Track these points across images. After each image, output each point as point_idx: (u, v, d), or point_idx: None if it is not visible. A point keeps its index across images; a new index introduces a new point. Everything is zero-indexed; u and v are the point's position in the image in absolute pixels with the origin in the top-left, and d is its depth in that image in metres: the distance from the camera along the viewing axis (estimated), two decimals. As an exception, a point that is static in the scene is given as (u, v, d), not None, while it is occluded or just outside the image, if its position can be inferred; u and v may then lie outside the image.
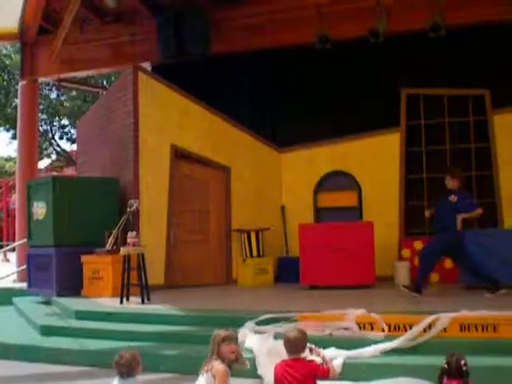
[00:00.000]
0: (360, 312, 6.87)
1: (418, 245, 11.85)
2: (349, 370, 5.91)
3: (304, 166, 13.19)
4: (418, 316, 6.73)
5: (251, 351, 6.36)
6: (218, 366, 4.16)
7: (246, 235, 12.17)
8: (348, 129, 12.68)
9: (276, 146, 13.47)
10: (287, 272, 12.09)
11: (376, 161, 12.56)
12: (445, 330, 6.38)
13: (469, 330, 6.31)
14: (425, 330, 6.38)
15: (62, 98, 28.49)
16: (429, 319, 6.39)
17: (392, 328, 6.56)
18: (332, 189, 12.97)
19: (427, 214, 10.06)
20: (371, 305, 7.20)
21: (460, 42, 11.13)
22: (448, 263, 11.27)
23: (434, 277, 11.57)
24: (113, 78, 24.54)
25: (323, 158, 13.08)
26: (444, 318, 6.40)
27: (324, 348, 6.09)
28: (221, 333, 4.40)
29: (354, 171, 12.86)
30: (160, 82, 11.51)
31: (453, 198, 9.52)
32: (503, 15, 9.52)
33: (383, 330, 6.57)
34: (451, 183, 9.64)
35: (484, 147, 12.05)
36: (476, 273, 9.40)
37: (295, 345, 4.57)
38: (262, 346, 6.29)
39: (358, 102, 12.53)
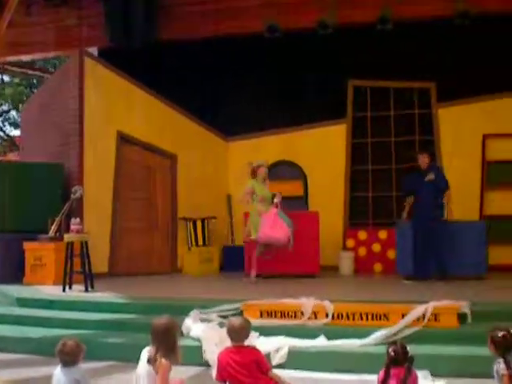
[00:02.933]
0: (313, 301, 6.89)
1: (362, 235, 12.01)
2: (293, 357, 5.98)
3: (251, 155, 13.15)
4: (359, 304, 6.83)
5: (198, 340, 6.36)
6: (162, 361, 4.15)
7: (191, 223, 12.16)
8: (295, 119, 12.78)
9: (223, 134, 13.46)
10: (232, 261, 12.11)
11: (322, 151, 12.68)
12: (387, 318, 6.47)
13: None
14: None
15: (6, 81, 27.83)
16: (416, 312, 6.36)
17: (335, 316, 6.63)
18: (278, 178, 13.00)
19: (405, 214, 10.10)
20: (315, 293, 7.23)
21: (407, 35, 11.25)
22: (391, 254, 11.46)
23: (377, 267, 11.76)
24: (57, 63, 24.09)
25: (270, 147, 13.12)
26: (429, 308, 6.39)
27: (275, 335, 6.17)
28: (161, 320, 4.35)
29: (301, 161, 12.95)
30: (106, 67, 11.36)
31: (430, 177, 9.58)
32: (450, 11, 9.64)
33: (327, 317, 6.63)
34: (423, 160, 9.74)
35: (428, 140, 12.25)
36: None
37: (239, 332, 4.58)
38: (213, 334, 6.27)
39: (305, 92, 12.64)
